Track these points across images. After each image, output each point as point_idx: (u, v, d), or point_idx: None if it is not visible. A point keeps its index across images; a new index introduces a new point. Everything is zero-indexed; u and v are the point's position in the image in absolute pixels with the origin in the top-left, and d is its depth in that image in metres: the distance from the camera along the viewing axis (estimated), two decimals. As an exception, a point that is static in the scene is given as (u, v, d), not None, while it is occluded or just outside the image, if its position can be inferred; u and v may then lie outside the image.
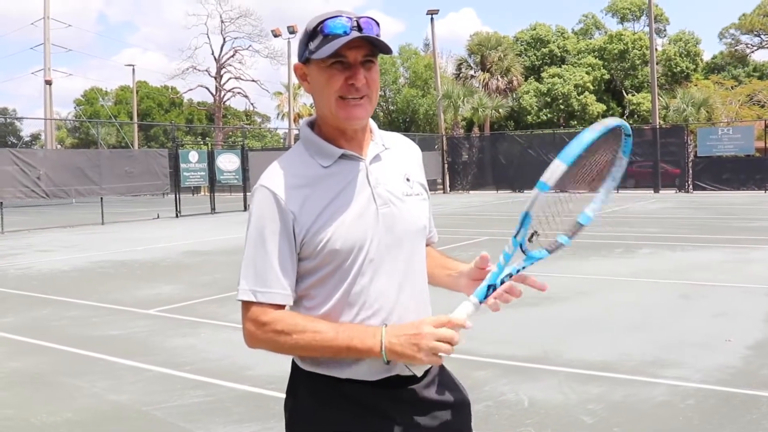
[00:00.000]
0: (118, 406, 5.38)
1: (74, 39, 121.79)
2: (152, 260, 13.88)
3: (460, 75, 50.23)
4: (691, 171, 33.43)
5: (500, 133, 43.59)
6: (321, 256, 1.84)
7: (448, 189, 39.87)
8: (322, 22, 1.82)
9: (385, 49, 1.84)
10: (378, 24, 1.85)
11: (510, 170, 38.18)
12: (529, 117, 50.90)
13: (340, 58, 1.81)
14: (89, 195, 25.00)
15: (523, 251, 1.90)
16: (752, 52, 58.71)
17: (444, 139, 41.15)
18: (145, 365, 6.40)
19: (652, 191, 33.59)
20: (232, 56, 60.45)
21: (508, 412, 4.98)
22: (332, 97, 1.84)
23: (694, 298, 8.88)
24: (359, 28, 1.80)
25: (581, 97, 50.44)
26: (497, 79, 48.43)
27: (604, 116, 50.90)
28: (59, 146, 62.60)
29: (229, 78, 60.72)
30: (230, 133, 58.00)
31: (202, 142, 49.38)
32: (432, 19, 43.59)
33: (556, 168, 1.80)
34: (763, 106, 44.79)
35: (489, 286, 1.88)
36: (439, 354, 1.76)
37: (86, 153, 27.35)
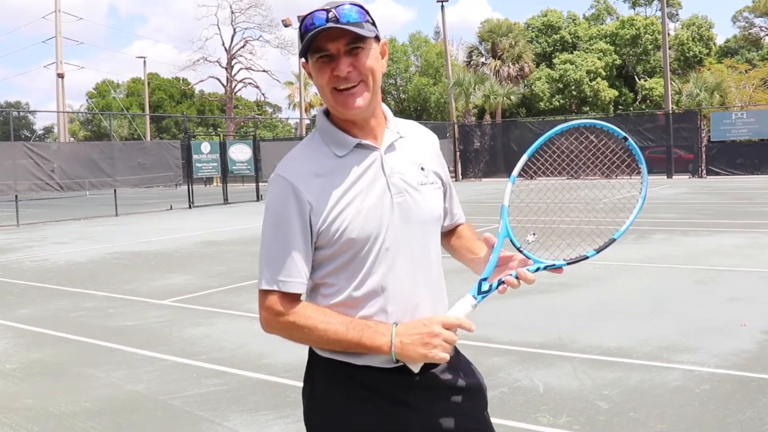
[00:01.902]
0: (136, 395, 5.43)
1: (86, 32, 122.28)
2: (166, 251, 13.94)
3: (471, 62, 50.02)
4: (704, 156, 33.20)
5: (512, 120, 43.42)
6: (338, 245, 1.85)
7: (461, 177, 39.78)
8: (306, 17, 1.83)
9: (358, 35, 1.81)
10: (361, 8, 1.84)
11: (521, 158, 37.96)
12: (541, 103, 50.69)
13: (323, 52, 1.82)
14: (103, 187, 25.13)
15: (527, 256, 1.99)
16: (766, 35, 58.19)
17: (456, 126, 41.01)
18: (162, 355, 6.45)
19: (666, 177, 33.40)
20: (243, 47, 60.42)
21: (523, 399, 4.99)
22: (327, 91, 1.86)
23: (709, 283, 8.85)
24: (336, 19, 1.79)
25: (593, 83, 50.15)
26: (508, 66, 48.18)
27: (616, 102, 50.76)
28: (72, 139, 62.82)
29: (240, 68, 60.69)
30: (242, 124, 57.98)
31: (213, 133, 49.50)
32: (443, 6, 43.45)
33: (522, 159, 2.00)
34: (777, 90, 44.42)
35: (481, 282, 1.95)
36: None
37: (99, 145, 27.45)
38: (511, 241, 2.00)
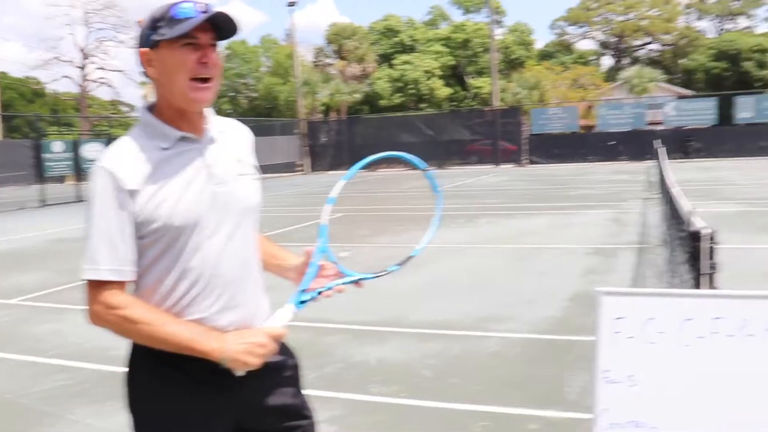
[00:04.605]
0: (-21, 393, 5.11)
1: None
2: (17, 250, 13.13)
3: (318, 63, 50.10)
4: (526, 147, 34.93)
5: (356, 117, 43.86)
6: (159, 232, 1.82)
7: (310, 169, 39.81)
8: (171, 6, 1.82)
9: (233, 31, 1.85)
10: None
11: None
12: (382, 101, 51.41)
13: (192, 39, 1.81)
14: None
15: (341, 270, 2.09)
16: (577, 41, 61.88)
17: (304, 123, 40.99)
18: (9, 354, 6.08)
19: (493, 166, 34.86)
20: (97, 47, 57.58)
21: (356, 372, 5.10)
22: (184, 79, 1.82)
23: (526, 260, 9.36)
24: (207, 13, 1.81)
25: (429, 82, 51.43)
26: (353, 66, 48.59)
27: (451, 99, 52.30)
28: None
29: (95, 68, 57.86)
30: (96, 123, 55.35)
31: (67, 132, 46.88)
32: (291, 10, 43.22)
33: (338, 184, 2.04)
34: (586, 89, 47.28)
35: (301, 293, 2.01)
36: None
37: (-56, 146, 25.40)
38: (327, 256, 2.07)
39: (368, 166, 2.13)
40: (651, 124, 33.36)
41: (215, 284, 1.88)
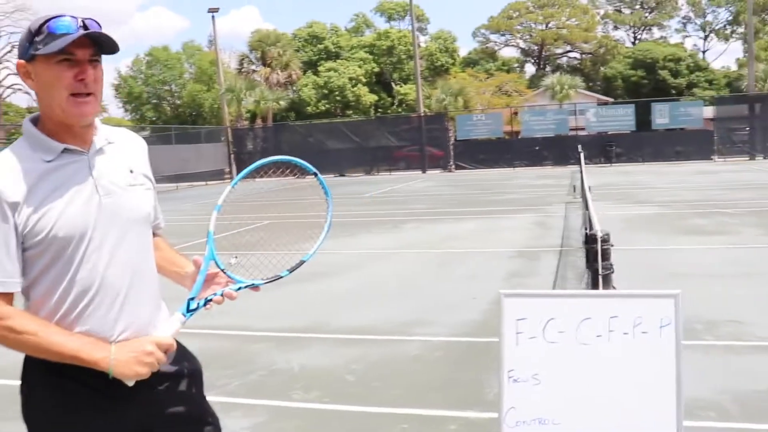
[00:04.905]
0: None
1: None
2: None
3: (243, 70, 49.59)
4: (452, 153, 35.40)
5: (282, 124, 43.65)
6: (44, 244, 1.82)
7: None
8: (48, 20, 1.81)
9: (112, 48, 1.86)
10: (101, 26, 1.87)
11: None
12: (308, 108, 51.31)
13: (69, 55, 1.81)
14: None
15: (230, 277, 2.11)
16: (500, 49, 63.08)
17: (229, 130, 40.54)
18: None
19: (421, 172, 35.21)
20: (10, 52, 55.58)
21: (279, 379, 5.12)
22: (63, 95, 1.83)
23: (451, 264, 9.51)
24: (85, 28, 1.81)
25: (355, 89, 51.60)
26: (277, 73, 48.28)
27: (376, 106, 52.56)
28: None
29: (8, 74, 55.83)
30: (13, 131, 53.44)
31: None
32: (213, 17, 42.64)
33: (226, 191, 2.12)
34: (510, 95, 48.28)
35: (189, 301, 2.02)
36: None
37: None
38: (216, 263, 2.08)
39: (258, 171, 2.19)
40: (574, 129, 34.33)
41: (105, 294, 1.89)
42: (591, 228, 2.86)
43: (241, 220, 2.29)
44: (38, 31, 1.82)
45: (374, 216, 16.16)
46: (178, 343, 2.06)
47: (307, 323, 6.65)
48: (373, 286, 8.33)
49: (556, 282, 7.93)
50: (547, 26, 60.46)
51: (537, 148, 34.18)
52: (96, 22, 1.88)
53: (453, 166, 35.00)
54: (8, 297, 1.83)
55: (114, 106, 73.24)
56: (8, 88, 56.50)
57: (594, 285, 2.64)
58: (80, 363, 1.82)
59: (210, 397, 4.27)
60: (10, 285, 1.82)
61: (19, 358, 1.94)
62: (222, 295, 2.05)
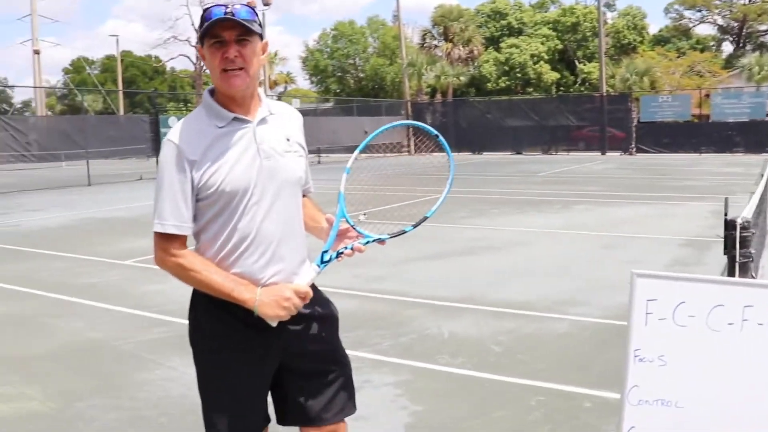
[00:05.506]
0: (92, 341, 5.72)
1: (60, 10, 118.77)
2: (132, 217, 14.08)
3: (425, 45, 50.08)
4: (634, 135, 33.94)
5: (461, 99, 43.78)
6: (214, 196, 2.16)
7: (413, 151, 40.12)
8: (206, 10, 2.15)
9: (248, 29, 2.14)
10: (253, 10, 2.18)
11: (470, 134, 38.48)
12: (488, 84, 51.06)
13: (218, 38, 2.14)
14: (77, 159, 24.96)
15: (359, 232, 2.35)
16: (694, 26, 59.18)
17: (409, 104, 41.28)
18: (118, 307, 6.73)
19: (600, 153, 34.12)
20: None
21: (428, 344, 5.38)
22: (217, 71, 2.16)
23: (615, 247, 9.34)
24: (232, 14, 2.11)
25: (536, 66, 50.65)
26: (459, 48, 48.32)
27: (558, 84, 51.31)
28: (49, 113, 61.67)
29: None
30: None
31: (184, 108, 48.98)
32: (399, -9, 43.42)
33: (353, 155, 2.35)
34: (702, 76, 45.32)
35: (323, 254, 2.29)
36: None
37: (73, 119, 27.24)
38: (346, 220, 2.34)
39: (380, 136, 2.43)
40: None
41: (259, 243, 2.21)
42: (727, 213, 2.83)
43: (370, 182, 2.55)
44: (201, 19, 2.16)
45: (546, 195, 16.03)
46: (316, 290, 2.35)
47: (464, 294, 6.85)
48: (533, 264, 8.37)
49: (723, 274, 7.58)
50: (750, 0, 55.85)
51: (729, 133, 31.96)
52: (248, 6, 2.17)
53: (634, 149, 33.58)
54: (182, 239, 2.21)
55: (301, 78, 76.64)
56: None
57: (731, 273, 2.63)
58: (232, 300, 2.16)
59: (361, 353, 4.68)
60: (185, 228, 2.19)
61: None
62: (352, 248, 2.31)
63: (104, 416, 4.22)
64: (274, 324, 2.19)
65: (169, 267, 2.20)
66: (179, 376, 4.76)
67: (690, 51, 51.29)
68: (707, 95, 36.02)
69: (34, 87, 43.04)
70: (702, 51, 52.39)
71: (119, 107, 56.71)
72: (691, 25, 58.92)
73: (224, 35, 2.13)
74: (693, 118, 34.72)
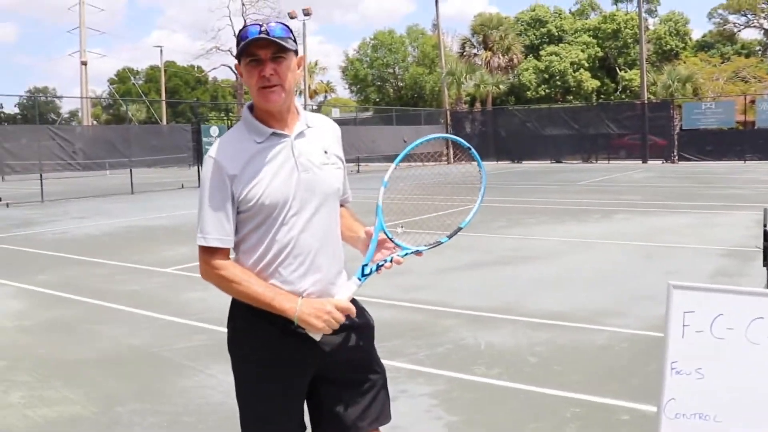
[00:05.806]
0: (133, 347, 5.83)
1: (107, 22, 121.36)
2: (174, 225, 14.30)
3: (464, 53, 50.03)
4: (676, 143, 33.41)
5: (501, 108, 43.58)
6: (254, 209, 2.21)
7: (452, 160, 40.03)
8: (242, 29, 2.21)
9: (283, 46, 2.18)
10: (286, 27, 2.22)
11: (509, 142, 38.32)
12: (528, 92, 50.73)
13: (254, 57, 2.19)
14: (120, 167, 25.41)
15: (397, 244, 2.37)
16: (739, 31, 58.07)
17: (448, 113, 41.24)
18: (159, 315, 6.84)
19: (641, 162, 33.65)
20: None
21: (464, 354, 5.36)
22: (255, 88, 2.21)
23: (655, 257, 9.20)
24: (267, 32, 2.16)
25: (577, 73, 50.21)
26: (498, 57, 48.20)
27: (598, 92, 50.75)
28: (95, 122, 62.92)
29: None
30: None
31: (226, 118, 49.58)
32: (437, 1, 43.46)
33: (390, 168, 2.38)
34: (747, 82, 44.43)
35: (363, 267, 2.30)
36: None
37: (117, 129, 27.75)
38: (384, 233, 2.36)
39: (419, 146, 2.44)
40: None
41: (297, 254, 2.25)
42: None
43: (406, 193, 2.62)
44: (238, 37, 2.21)
45: (585, 204, 15.86)
46: (358, 303, 2.36)
47: (500, 304, 6.82)
48: (572, 274, 8.29)
49: (765, 286, 7.41)
50: (797, 5, 54.63)
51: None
52: (282, 24, 2.21)
53: (676, 157, 33.07)
54: (225, 251, 2.25)
55: (341, 87, 77.03)
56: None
57: (769, 285, 2.57)
58: (272, 310, 2.20)
59: (398, 363, 4.68)
60: (227, 242, 2.24)
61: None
62: (391, 260, 2.33)
63: (143, 421, 4.30)
64: (318, 338, 2.22)
65: (213, 279, 2.25)
66: (218, 384, 4.82)
67: (734, 56, 50.40)
68: (752, 101, 35.32)
69: (81, 97, 44.09)
70: (747, 56, 51.38)
71: (162, 117, 57.67)
72: (735, 29, 57.82)
73: (260, 54, 2.18)
74: (737, 125, 34.07)
